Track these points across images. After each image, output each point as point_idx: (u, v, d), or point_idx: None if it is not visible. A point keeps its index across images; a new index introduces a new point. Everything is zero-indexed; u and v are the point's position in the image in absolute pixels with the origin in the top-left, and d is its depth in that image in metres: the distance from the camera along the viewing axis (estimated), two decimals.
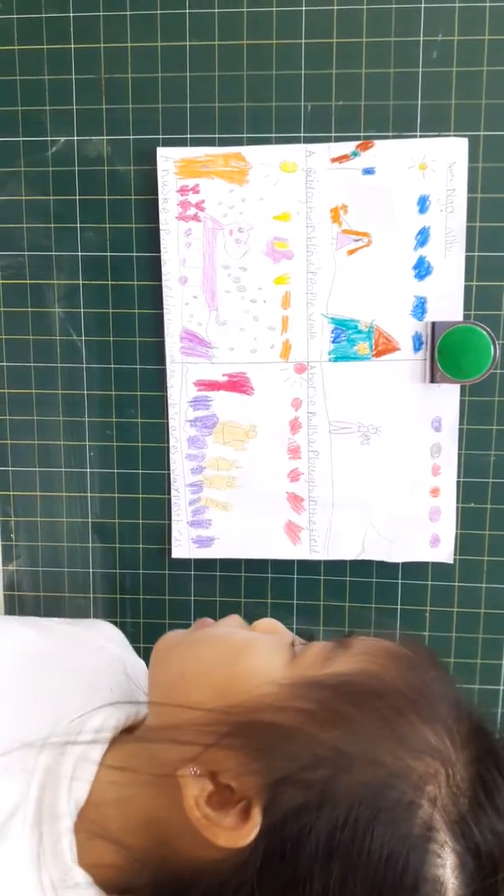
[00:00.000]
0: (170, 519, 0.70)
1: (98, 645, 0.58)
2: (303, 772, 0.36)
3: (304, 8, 0.63)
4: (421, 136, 0.63)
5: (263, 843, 0.36)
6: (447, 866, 0.35)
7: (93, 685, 0.50)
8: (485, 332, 0.63)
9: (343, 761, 0.36)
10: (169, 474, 0.69)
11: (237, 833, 0.36)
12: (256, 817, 0.36)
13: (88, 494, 0.71)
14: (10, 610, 0.73)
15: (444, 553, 0.68)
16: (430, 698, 0.39)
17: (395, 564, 0.69)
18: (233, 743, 0.38)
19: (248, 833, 0.36)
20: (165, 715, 0.41)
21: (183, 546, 0.70)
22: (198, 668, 0.44)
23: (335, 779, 0.36)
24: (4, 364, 0.69)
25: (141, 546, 0.71)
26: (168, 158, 0.65)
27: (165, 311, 0.67)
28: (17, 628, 0.54)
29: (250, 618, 0.70)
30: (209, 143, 0.65)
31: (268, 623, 0.50)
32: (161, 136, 0.65)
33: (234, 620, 0.50)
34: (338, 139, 0.64)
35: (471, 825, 0.36)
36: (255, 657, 0.43)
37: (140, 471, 0.70)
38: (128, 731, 0.46)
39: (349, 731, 0.37)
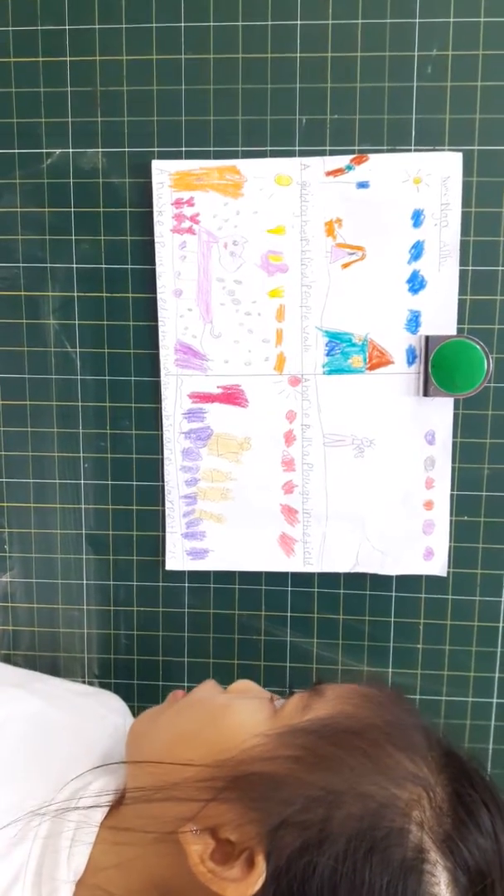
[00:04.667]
0: (164, 531, 0.70)
1: (100, 714, 0.59)
2: (298, 814, 0.38)
3: (299, 22, 0.63)
4: (415, 151, 0.63)
5: (272, 887, 0.37)
6: (441, 884, 0.37)
7: (94, 754, 0.53)
8: (478, 347, 0.63)
9: (334, 799, 0.38)
10: (163, 486, 0.69)
11: (244, 883, 0.37)
12: (261, 865, 0.37)
13: (82, 506, 0.71)
14: (4, 621, 0.73)
15: (438, 566, 0.68)
16: (404, 729, 0.42)
17: (389, 577, 0.69)
18: (229, 796, 0.39)
19: (254, 882, 0.37)
20: (159, 775, 0.42)
21: (177, 558, 0.70)
22: (184, 732, 0.46)
23: (329, 816, 0.38)
24: None
25: (135, 558, 0.71)
26: (163, 171, 0.65)
27: (160, 323, 0.67)
28: (24, 698, 0.56)
29: (243, 628, 0.71)
30: (204, 156, 0.65)
31: (242, 683, 0.52)
32: (156, 149, 0.65)
33: (210, 685, 0.52)
34: (332, 153, 0.64)
35: (457, 842, 0.38)
36: (239, 715, 0.45)
37: (134, 482, 0.70)
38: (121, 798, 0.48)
39: (335, 770, 0.39)
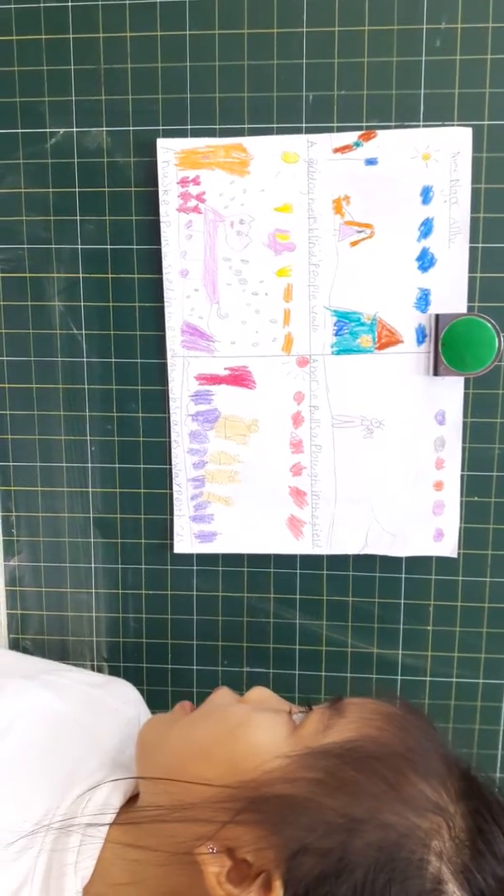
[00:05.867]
0: (172, 514, 0.70)
1: (113, 707, 0.59)
2: (318, 840, 0.37)
3: None
4: (424, 126, 0.62)
5: None
6: None
7: (107, 748, 0.52)
8: (489, 324, 0.63)
9: (355, 827, 0.38)
10: (170, 469, 0.69)
11: None
12: (279, 890, 0.37)
13: (90, 489, 0.70)
14: (13, 605, 0.73)
15: (448, 547, 0.68)
16: (424, 755, 0.41)
17: (399, 559, 0.69)
18: (248, 818, 0.39)
19: None
20: (176, 793, 0.42)
21: (185, 541, 0.70)
22: (201, 746, 0.45)
23: (349, 844, 0.37)
24: (4, 358, 0.69)
25: (143, 541, 0.71)
26: (168, 149, 0.64)
27: (166, 304, 0.66)
28: (36, 693, 0.55)
29: (252, 611, 0.70)
30: (210, 133, 0.64)
31: (259, 692, 0.51)
32: (161, 127, 0.64)
33: (225, 693, 0.51)
34: (340, 129, 0.63)
35: (475, 873, 0.37)
36: (258, 732, 0.44)
37: (141, 466, 0.70)
38: (131, 800, 0.47)
39: (357, 797, 0.39)
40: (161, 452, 0.69)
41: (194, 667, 0.72)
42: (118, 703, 0.60)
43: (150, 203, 0.65)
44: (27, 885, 0.41)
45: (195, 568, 0.71)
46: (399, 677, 0.70)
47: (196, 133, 0.64)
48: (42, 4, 0.64)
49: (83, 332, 0.68)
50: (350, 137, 0.63)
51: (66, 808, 0.45)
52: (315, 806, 0.38)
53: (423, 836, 0.37)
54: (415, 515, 0.67)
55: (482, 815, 0.39)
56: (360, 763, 0.40)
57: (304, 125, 0.63)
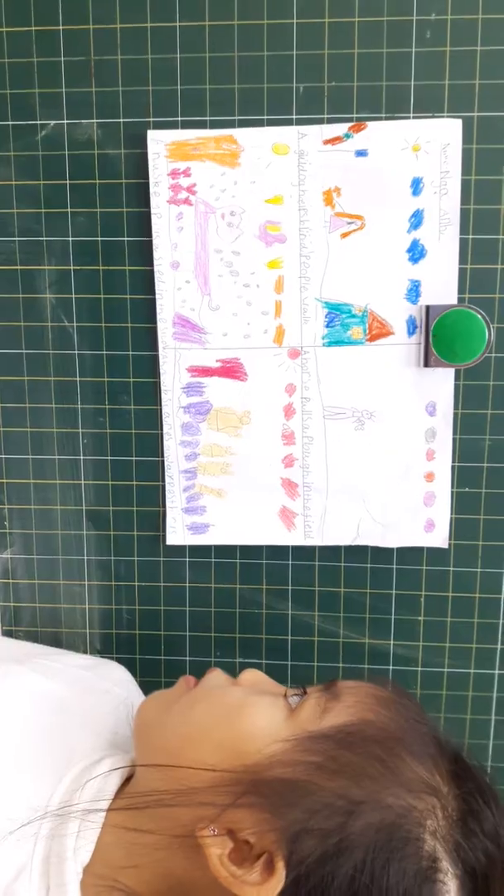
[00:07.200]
0: (164, 506, 0.70)
1: (104, 689, 0.59)
2: (319, 822, 0.39)
3: None
4: (414, 118, 0.63)
5: (290, 893, 0.38)
6: (451, 891, 0.38)
7: (101, 730, 0.53)
8: (479, 316, 0.63)
9: (354, 808, 0.39)
10: (163, 461, 0.69)
11: (264, 887, 0.38)
12: (281, 871, 0.38)
13: (82, 482, 0.70)
14: (6, 597, 0.73)
15: (439, 538, 0.68)
16: (418, 738, 0.43)
17: (390, 549, 0.69)
18: (250, 801, 0.39)
19: (275, 886, 0.38)
20: (174, 776, 0.43)
21: (177, 533, 0.70)
22: (199, 731, 0.45)
23: (349, 825, 0.38)
24: None
25: (135, 533, 0.71)
26: (159, 141, 0.64)
27: (157, 296, 0.66)
28: (28, 677, 0.56)
29: (245, 602, 0.70)
30: (200, 125, 0.64)
31: (252, 675, 0.51)
32: (152, 119, 0.64)
33: (219, 676, 0.51)
34: (330, 121, 0.63)
35: (467, 850, 0.39)
36: (257, 717, 0.44)
37: (134, 458, 0.70)
38: (126, 782, 0.48)
39: (356, 780, 0.40)
40: (153, 444, 0.69)
41: (187, 658, 0.72)
42: (109, 684, 0.60)
43: (141, 195, 0.65)
44: (26, 870, 0.42)
45: (188, 559, 0.71)
46: (391, 667, 0.70)
47: (186, 125, 0.64)
48: None
49: (74, 324, 0.68)
50: (340, 129, 0.63)
51: (63, 792, 0.46)
52: (315, 788, 0.39)
53: (418, 816, 0.39)
54: (406, 506, 0.68)
55: (473, 795, 0.41)
56: (358, 746, 0.41)
57: (294, 117, 0.63)
